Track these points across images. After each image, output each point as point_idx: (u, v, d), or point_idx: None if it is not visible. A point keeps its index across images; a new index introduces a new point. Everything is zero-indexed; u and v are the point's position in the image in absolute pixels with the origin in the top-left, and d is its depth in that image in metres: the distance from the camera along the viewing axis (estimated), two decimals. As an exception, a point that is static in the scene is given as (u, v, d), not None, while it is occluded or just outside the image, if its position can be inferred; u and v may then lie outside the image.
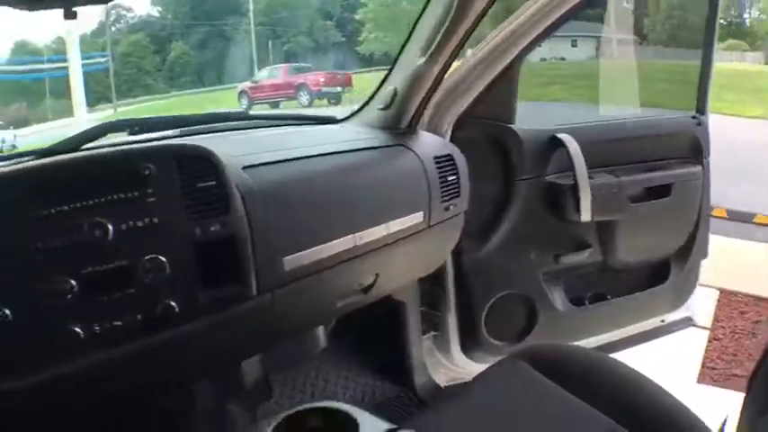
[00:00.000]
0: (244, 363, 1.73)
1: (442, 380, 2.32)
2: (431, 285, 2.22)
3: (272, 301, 1.45)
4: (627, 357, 1.64)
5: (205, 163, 1.33)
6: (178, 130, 1.63)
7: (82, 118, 11.53)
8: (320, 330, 1.94)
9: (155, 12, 19.06)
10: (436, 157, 1.82)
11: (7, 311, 1.11)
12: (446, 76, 1.86)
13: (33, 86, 15.96)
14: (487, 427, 1.20)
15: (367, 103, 1.97)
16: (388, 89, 1.87)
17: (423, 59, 1.73)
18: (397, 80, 1.85)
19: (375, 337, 2.24)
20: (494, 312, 2.27)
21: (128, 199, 1.25)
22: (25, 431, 1.29)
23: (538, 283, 2.29)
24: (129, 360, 1.29)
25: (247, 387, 1.78)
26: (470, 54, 2.05)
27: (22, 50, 16.62)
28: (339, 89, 13.04)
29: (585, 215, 2.12)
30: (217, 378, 1.69)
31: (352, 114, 2.00)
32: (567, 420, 1.42)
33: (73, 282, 1.17)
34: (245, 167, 1.43)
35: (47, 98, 15.58)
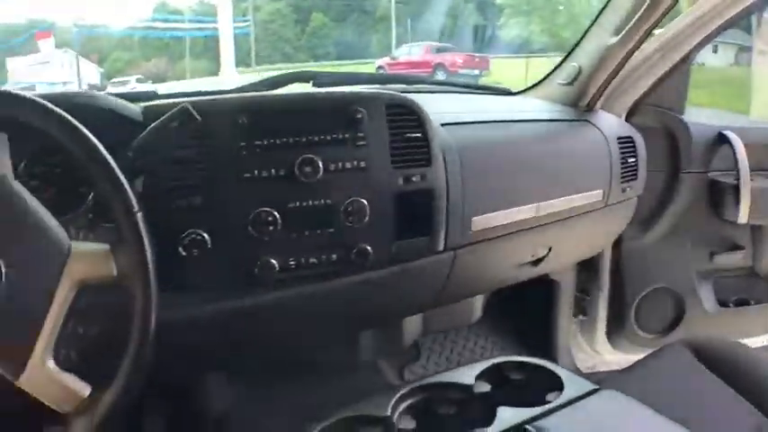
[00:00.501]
0: (406, 320, 1.77)
1: (580, 365, 2.32)
2: (586, 270, 2.22)
3: (454, 259, 1.46)
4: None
5: (413, 114, 1.35)
6: (366, 85, 1.64)
7: (231, 77, 11.84)
8: (479, 300, 1.97)
9: (298, -19, 19.34)
10: (619, 138, 1.81)
11: (206, 235, 1.15)
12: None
13: (174, 45, 16.52)
14: (654, 414, 1.17)
15: (546, 77, 1.97)
16: (571, 65, 1.86)
17: (614, 39, 1.72)
18: (582, 57, 1.84)
19: (526, 315, 2.24)
20: (644, 304, 2.24)
21: (339, 140, 1.27)
22: (196, 356, 1.33)
23: (690, 279, 2.25)
24: (313, 300, 1.32)
25: (404, 345, 1.83)
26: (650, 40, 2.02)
27: (164, 9, 17.18)
28: (476, 72, 12.94)
29: (743, 217, 2.08)
30: (380, 331, 1.74)
31: (529, 88, 2.01)
32: (726, 414, 1.40)
33: (277, 214, 1.20)
34: (443, 124, 1.44)
35: (186, 57, 16.11)
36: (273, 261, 1.21)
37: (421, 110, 1.36)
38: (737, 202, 2.07)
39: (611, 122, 1.87)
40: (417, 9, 16.95)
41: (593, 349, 2.32)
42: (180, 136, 1.12)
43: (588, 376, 2.21)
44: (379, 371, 1.94)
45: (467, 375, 1.27)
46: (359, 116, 1.28)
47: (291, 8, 17.85)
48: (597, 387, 1.24)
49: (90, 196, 1.14)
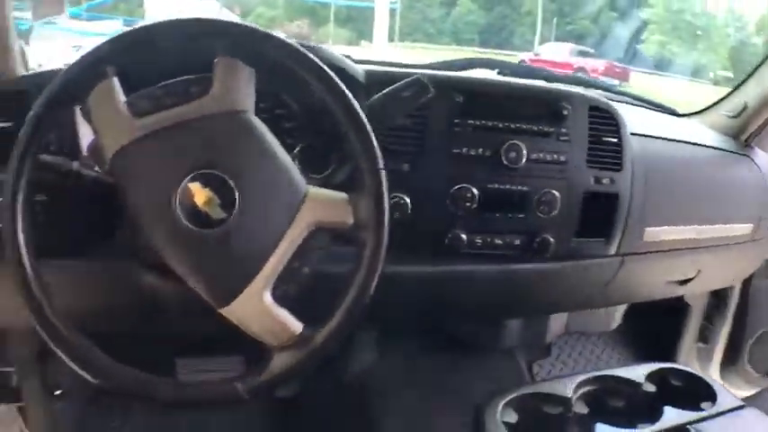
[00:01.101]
0: (553, 316, 1.84)
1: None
2: (714, 297, 2.21)
3: (621, 266, 1.50)
4: None
5: (612, 120, 1.41)
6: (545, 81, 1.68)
7: (382, 50, 11.95)
8: (621, 309, 2.01)
9: (449, -37, 19.27)
10: None
11: (408, 199, 1.24)
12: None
13: (318, 9, 16.73)
14: None
15: (712, 106, 1.97)
16: (738, 100, 1.86)
17: None
18: (750, 94, 1.83)
19: (654, 330, 2.25)
20: (761, 343, 2.22)
21: (545, 132, 1.34)
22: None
23: None
24: (487, 279, 1.39)
25: (546, 341, 1.91)
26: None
27: None
28: (616, 82, 12.68)
29: None
30: (526, 321, 1.80)
31: (694, 113, 2.01)
32: None
33: (475, 192, 1.28)
34: (633, 134, 1.48)
35: (330, 23, 16.30)
36: (463, 236, 1.30)
37: (620, 116, 1.42)
38: None
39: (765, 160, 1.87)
40: (563, 9, 16.71)
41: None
42: (408, 105, 1.15)
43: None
44: (514, 360, 1.99)
45: (636, 374, 1.33)
46: (565, 112, 1.34)
47: (440, -11, 17.92)
48: (744, 404, 1.28)
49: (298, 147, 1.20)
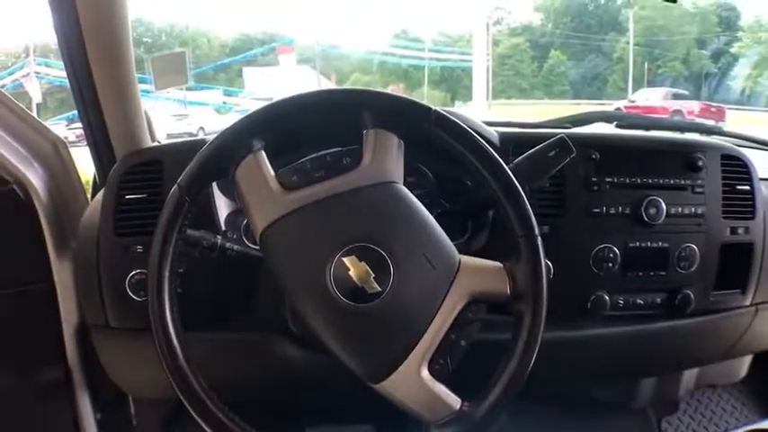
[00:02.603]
0: (686, 372, 1.76)
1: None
2: None
3: (754, 316, 1.45)
4: None
5: (744, 168, 1.36)
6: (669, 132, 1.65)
7: (480, 107, 11.86)
8: (748, 359, 1.91)
9: (536, 19, 19.33)
10: None
11: (549, 263, 1.15)
12: None
13: (411, 72, 16.94)
14: None
15: None
16: None
17: None
18: None
19: None
20: None
21: (682, 185, 1.29)
22: None
23: None
24: (628, 340, 1.35)
25: (679, 396, 1.83)
26: None
27: (405, 36, 17.61)
28: (712, 122, 12.34)
29: None
30: (661, 379, 1.74)
31: None
32: None
33: (617, 252, 1.25)
34: (760, 179, 1.43)
35: (424, 85, 16.48)
36: (606, 298, 1.26)
37: (751, 164, 1.37)
38: None
39: None
40: (653, 53, 16.53)
41: None
42: (552, 166, 1.08)
43: None
44: (646, 419, 1.94)
45: None
46: (700, 163, 1.30)
47: (530, 44, 17.94)
48: None
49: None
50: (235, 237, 1.15)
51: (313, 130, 0.99)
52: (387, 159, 0.95)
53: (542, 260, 0.92)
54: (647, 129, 1.56)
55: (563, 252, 1.19)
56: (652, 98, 13.40)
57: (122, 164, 1.24)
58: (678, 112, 12.49)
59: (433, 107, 0.94)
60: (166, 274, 0.93)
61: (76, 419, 1.43)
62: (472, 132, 0.94)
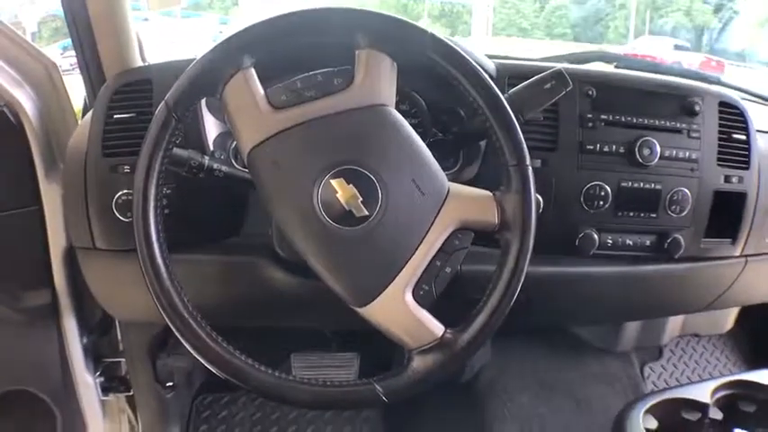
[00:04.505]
0: (671, 318, 1.79)
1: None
2: None
3: (744, 267, 1.45)
4: None
5: (741, 117, 1.36)
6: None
7: (479, 42, 11.79)
8: (734, 311, 1.95)
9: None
10: None
11: (539, 197, 1.19)
12: None
13: (411, 6, 16.64)
14: None
15: None
16: None
17: None
18: None
19: (766, 333, 2.13)
20: None
21: (677, 128, 1.30)
22: None
23: None
24: (615, 281, 1.36)
25: (662, 343, 1.86)
26: None
27: None
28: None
29: None
30: (646, 325, 1.77)
31: None
32: None
33: (609, 190, 1.25)
34: (758, 130, 1.42)
35: (423, 18, 16.25)
36: (596, 236, 1.26)
37: (747, 113, 1.37)
38: None
39: None
40: (657, 1, 16.36)
41: None
42: (547, 98, 1.08)
43: None
44: (629, 363, 1.95)
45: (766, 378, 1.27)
46: (697, 108, 1.30)
47: (533, -17, 17.76)
48: None
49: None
50: (223, 158, 1.13)
51: (306, 49, 0.96)
52: (379, 81, 0.94)
53: (532, 191, 0.93)
54: (646, 72, 1.50)
55: (553, 187, 1.22)
56: (654, 47, 13.28)
57: (112, 83, 1.24)
58: (678, 63, 12.41)
59: (429, 30, 0.94)
60: (152, 192, 0.92)
61: (63, 343, 1.43)
62: (468, 58, 0.94)
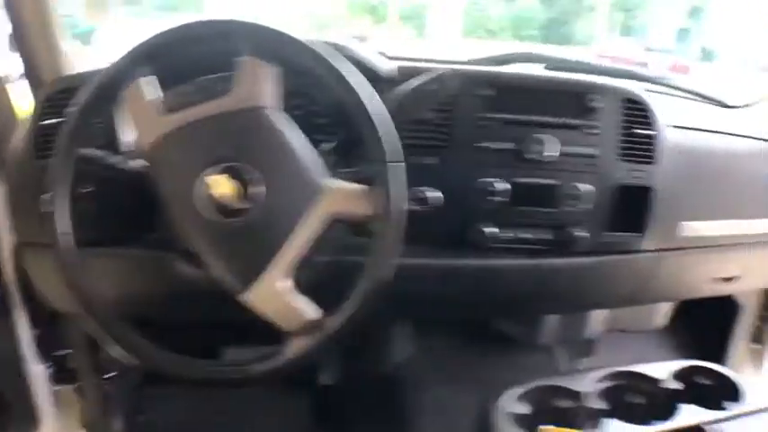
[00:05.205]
0: (593, 313, 1.83)
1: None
2: (766, 296, 2.15)
3: (659, 262, 1.49)
4: None
5: (645, 111, 1.39)
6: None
7: (443, 44, 11.85)
8: (665, 306, 1.98)
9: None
10: None
11: (435, 194, 1.26)
12: None
13: (379, 8, 16.69)
14: None
15: (763, 98, 1.91)
16: None
17: None
18: None
19: (703, 330, 2.20)
20: None
21: (573, 125, 1.35)
22: (404, 304, 1.37)
23: None
24: (517, 274, 1.40)
25: (584, 338, 1.88)
26: None
27: None
28: (678, 77, 12.32)
29: None
30: (565, 318, 1.81)
31: (746, 105, 1.93)
32: None
33: (503, 186, 1.30)
34: (672, 126, 1.47)
35: (390, 20, 16.24)
36: (488, 230, 1.32)
37: (653, 109, 1.41)
38: None
39: None
40: (628, 5, 16.47)
41: (759, 378, 2.24)
42: (433, 99, 1.21)
43: None
44: (551, 357, 1.99)
45: (659, 371, 1.32)
46: (594, 104, 1.35)
47: (501, -15, 17.77)
48: None
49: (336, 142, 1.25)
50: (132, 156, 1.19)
51: (198, 58, 1.11)
52: (256, 86, 1.03)
53: (397, 184, 1.00)
54: (577, 72, 1.55)
55: (449, 183, 1.27)
56: (622, 49, 13.35)
57: (43, 91, 1.37)
58: (645, 65, 12.49)
59: (305, 38, 1.03)
60: (64, 191, 1.04)
61: (15, 336, 1.49)
62: (332, 61, 1.01)
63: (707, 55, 14.01)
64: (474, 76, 1.33)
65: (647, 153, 1.40)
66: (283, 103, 1.06)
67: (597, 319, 1.89)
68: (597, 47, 14.08)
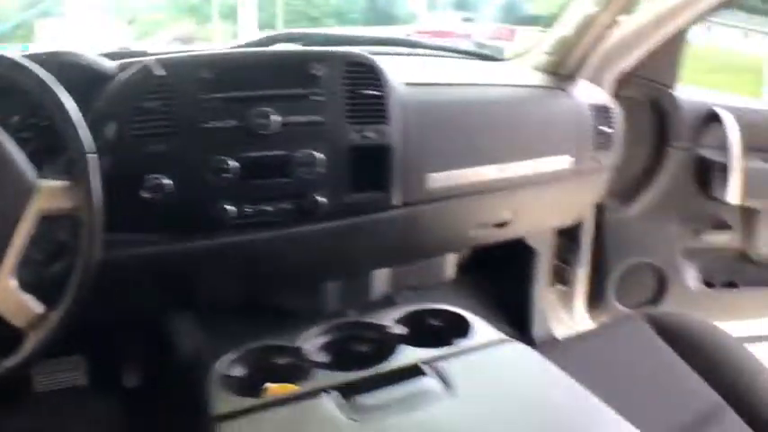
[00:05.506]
0: (375, 274, 1.80)
1: (560, 335, 2.29)
2: (566, 239, 2.22)
3: (413, 216, 1.51)
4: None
5: (371, 72, 1.41)
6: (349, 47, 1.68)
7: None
8: (450, 259, 1.98)
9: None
10: (592, 106, 1.81)
11: (166, 180, 1.24)
12: (616, 29, 1.83)
13: (202, 6, 16.48)
14: (597, 379, 1.16)
15: (534, 46, 1.97)
16: (556, 34, 1.86)
17: (596, 8, 1.70)
18: (566, 26, 1.83)
19: (502, 280, 2.25)
20: (625, 278, 2.25)
21: (295, 95, 1.34)
22: (161, 292, 1.43)
23: (674, 256, 2.25)
24: (272, 246, 1.39)
25: (371, 298, 1.85)
26: (642, 10, 1.99)
27: None
28: (502, 43, 12.78)
29: (733, 197, 2.06)
30: (347, 283, 1.78)
31: (517, 55, 2.01)
32: (675, 388, 1.43)
33: (234, 163, 1.28)
34: (407, 84, 1.49)
35: (213, 19, 16.08)
36: (229, 207, 1.30)
37: (379, 69, 1.42)
38: (727, 181, 2.05)
39: (586, 91, 1.87)
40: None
41: (573, 320, 2.31)
42: (143, 88, 1.22)
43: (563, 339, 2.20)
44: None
45: (386, 318, 1.33)
46: (316, 73, 1.34)
47: (321, -28, 17.83)
48: (505, 338, 1.28)
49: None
50: None
51: None
52: None
53: (94, 179, 1.04)
54: (332, 45, 1.60)
55: (179, 167, 1.26)
56: (443, 22, 13.63)
57: None
58: (468, 36, 12.77)
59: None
60: None
61: None
62: (22, 62, 1.05)
63: (533, 20, 14.52)
64: (188, 61, 1.32)
65: (377, 113, 1.42)
66: None
67: (381, 279, 1.85)
68: (419, 24, 14.33)
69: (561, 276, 2.30)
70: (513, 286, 2.23)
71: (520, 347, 1.25)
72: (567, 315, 2.32)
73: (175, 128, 1.27)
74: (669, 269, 2.25)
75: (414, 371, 1.14)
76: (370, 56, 1.43)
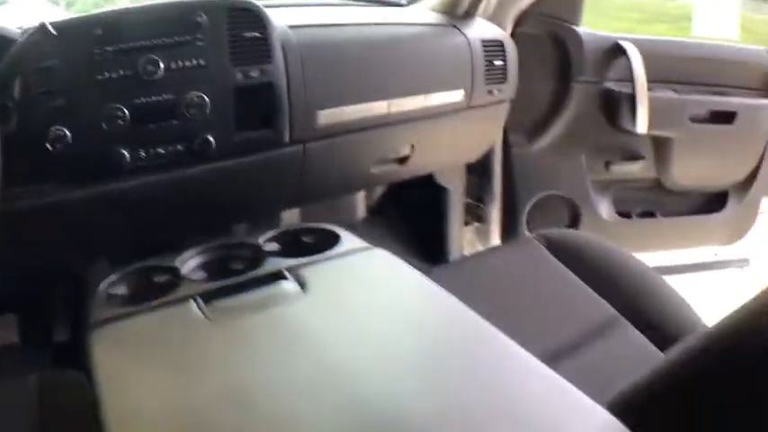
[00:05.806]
0: (284, 215, 1.86)
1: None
2: (477, 177, 2.26)
3: (304, 153, 1.57)
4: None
5: (253, 15, 1.46)
6: None
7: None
8: (359, 198, 2.04)
9: None
10: (484, 41, 1.84)
11: (67, 132, 1.29)
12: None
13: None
14: (487, 298, 1.20)
15: None
16: None
17: None
18: None
19: (417, 220, 2.29)
20: (537, 211, 2.31)
21: (179, 42, 1.40)
22: (72, 241, 1.46)
23: (585, 188, 2.31)
24: (171, 188, 1.44)
25: None
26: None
27: None
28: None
29: (641, 127, 2.10)
30: (254, 225, 1.80)
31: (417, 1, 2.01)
32: (570, 303, 1.47)
33: (125, 110, 1.34)
34: (291, 26, 1.54)
35: None
36: (124, 152, 1.35)
37: (262, 12, 1.46)
38: (634, 112, 2.10)
39: (479, 27, 1.89)
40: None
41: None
42: (41, 48, 1.28)
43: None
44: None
45: (260, 238, 1.36)
46: (199, 20, 1.40)
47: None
48: (371, 247, 1.32)
49: None
50: None
51: None
52: None
53: None
54: None
55: (77, 118, 1.31)
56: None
57: None
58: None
59: None
60: None
61: None
62: None
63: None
64: (82, 20, 1.38)
65: (261, 53, 1.47)
66: None
67: (290, 220, 1.91)
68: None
69: (476, 215, 2.35)
70: (427, 225, 2.28)
71: (383, 254, 1.30)
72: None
73: (72, 82, 1.32)
74: (581, 201, 2.31)
75: (275, 276, 1.19)
76: (253, 1, 1.48)
